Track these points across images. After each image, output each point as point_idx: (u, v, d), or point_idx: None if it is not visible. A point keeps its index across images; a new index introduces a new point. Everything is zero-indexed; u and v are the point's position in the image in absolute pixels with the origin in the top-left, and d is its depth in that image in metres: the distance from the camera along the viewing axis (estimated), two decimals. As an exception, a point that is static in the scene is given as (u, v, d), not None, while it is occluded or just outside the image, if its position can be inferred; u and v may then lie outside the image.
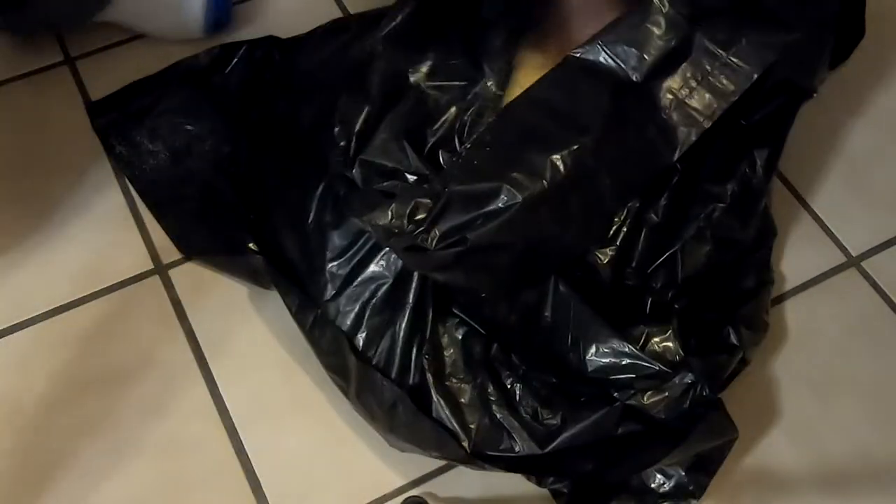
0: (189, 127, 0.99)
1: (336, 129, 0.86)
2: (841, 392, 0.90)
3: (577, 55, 0.79)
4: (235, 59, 1.03)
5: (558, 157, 0.76)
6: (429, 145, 0.85)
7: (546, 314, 0.81)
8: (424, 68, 0.87)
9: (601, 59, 0.79)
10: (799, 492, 0.84)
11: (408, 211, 0.76)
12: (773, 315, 0.91)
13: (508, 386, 0.82)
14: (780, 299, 0.95)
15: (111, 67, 1.05)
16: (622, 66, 0.78)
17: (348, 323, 0.83)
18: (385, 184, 0.84)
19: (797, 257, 0.97)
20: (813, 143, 1.06)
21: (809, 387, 0.90)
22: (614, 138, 0.79)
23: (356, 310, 0.83)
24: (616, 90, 0.78)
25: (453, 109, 0.86)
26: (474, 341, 0.83)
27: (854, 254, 0.99)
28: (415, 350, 0.81)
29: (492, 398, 0.81)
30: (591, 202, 0.80)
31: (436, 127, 0.86)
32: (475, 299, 0.83)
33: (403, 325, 0.82)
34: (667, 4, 0.79)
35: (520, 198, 0.75)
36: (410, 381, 0.81)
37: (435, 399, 0.80)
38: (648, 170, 0.82)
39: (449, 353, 0.82)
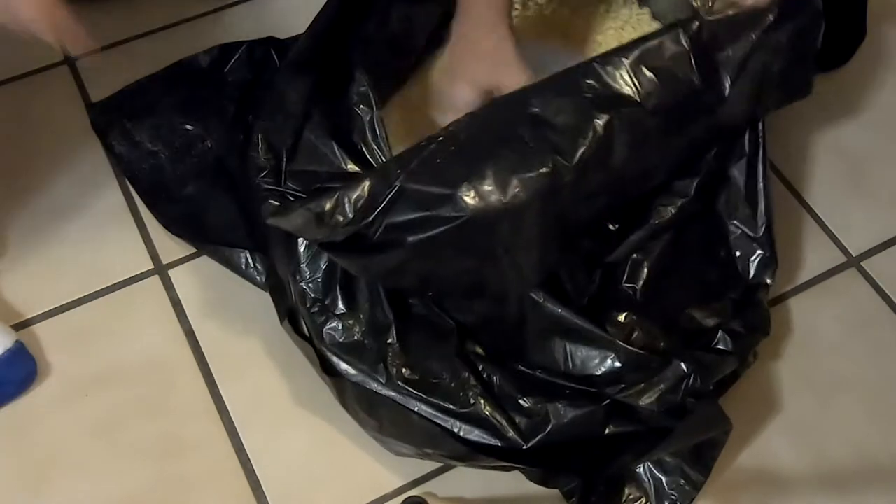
0: (189, 127, 0.99)
1: (260, 149, 0.86)
2: (841, 392, 0.90)
3: (579, 69, 0.77)
4: (235, 59, 1.03)
5: (525, 177, 0.73)
6: (357, 148, 0.84)
7: (512, 311, 0.80)
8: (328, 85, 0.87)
9: (610, 78, 0.76)
10: (799, 491, 0.84)
11: (353, 199, 0.73)
12: (774, 315, 0.91)
13: (492, 381, 0.81)
14: (781, 299, 0.95)
15: (111, 67, 1.05)
16: (636, 89, 0.76)
17: (319, 331, 0.81)
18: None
19: (797, 257, 0.97)
20: (813, 143, 1.06)
21: (809, 386, 0.90)
22: (595, 165, 0.76)
23: (323, 316, 0.82)
24: (618, 112, 0.76)
25: (369, 116, 0.84)
26: (448, 336, 0.82)
27: (854, 254, 0.99)
28: (389, 353, 0.80)
29: (473, 392, 0.79)
30: (546, 233, 0.77)
31: (357, 132, 0.84)
32: (427, 297, 0.82)
33: (371, 326, 0.81)
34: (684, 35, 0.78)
35: (468, 213, 0.72)
36: (389, 381, 0.80)
37: (416, 397, 0.79)
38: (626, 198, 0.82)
39: (423, 350, 0.81)
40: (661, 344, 0.82)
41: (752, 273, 0.89)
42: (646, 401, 0.79)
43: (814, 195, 1.02)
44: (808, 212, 1.01)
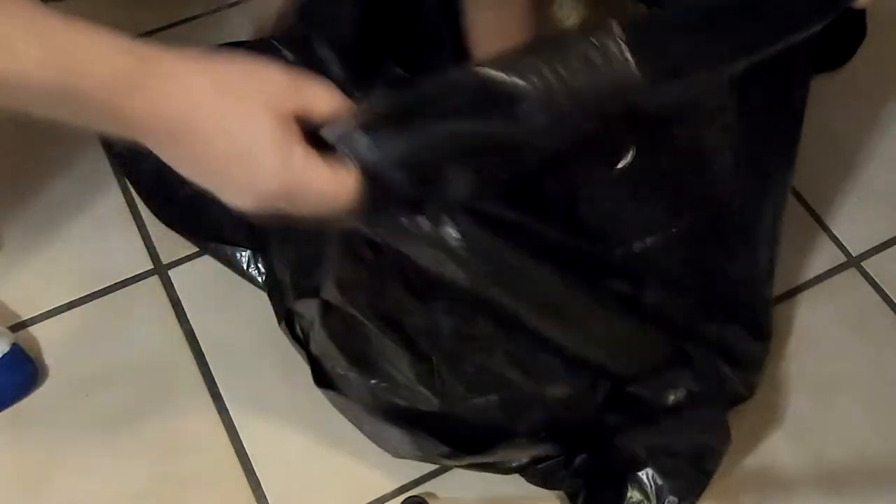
0: (189, 127, 0.99)
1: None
2: (841, 392, 0.90)
3: None
4: (235, 60, 1.03)
5: None
6: None
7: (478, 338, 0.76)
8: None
9: None
10: (799, 492, 0.84)
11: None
12: (774, 315, 0.91)
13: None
14: (781, 299, 0.94)
15: (111, 67, 1.05)
16: None
17: (310, 336, 0.81)
18: None
19: (797, 257, 0.97)
20: (813, 142, 1.05)
21: (809, 386, 0.90)
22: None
23: (310, 321, 0.81)
24: None
25: None
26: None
27: (854, 254, 0.99)
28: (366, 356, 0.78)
29: (466, 375, 0.76)
30: None
31: None
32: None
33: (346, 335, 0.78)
34: None
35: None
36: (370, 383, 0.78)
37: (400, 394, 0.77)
38: None
39: (401, 352, 0.77)
40: (678, 348, 0.81)
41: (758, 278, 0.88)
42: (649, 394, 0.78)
43: (814, 195, 1.02)
44: (809, 212, 1.01)
